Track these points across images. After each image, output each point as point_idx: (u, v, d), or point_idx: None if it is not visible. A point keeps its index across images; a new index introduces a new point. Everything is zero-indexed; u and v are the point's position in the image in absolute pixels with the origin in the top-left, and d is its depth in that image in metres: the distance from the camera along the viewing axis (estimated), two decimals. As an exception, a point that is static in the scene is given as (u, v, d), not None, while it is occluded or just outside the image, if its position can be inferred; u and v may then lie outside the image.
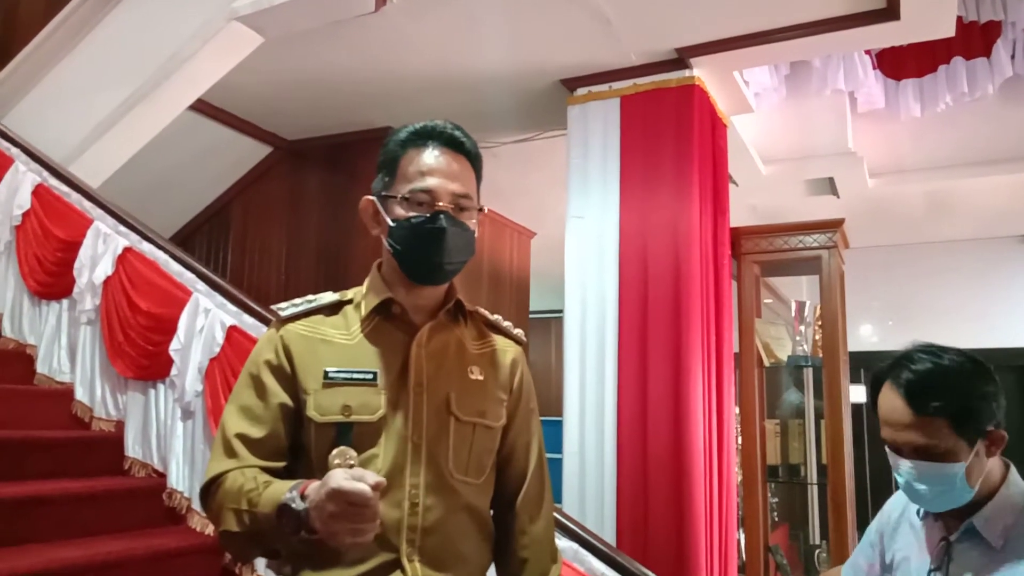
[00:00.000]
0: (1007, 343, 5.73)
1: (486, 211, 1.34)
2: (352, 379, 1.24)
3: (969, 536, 1.40)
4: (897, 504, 1.59)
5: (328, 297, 1.34)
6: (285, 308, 1.31)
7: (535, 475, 1.40)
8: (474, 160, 1.32)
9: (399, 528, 1.20)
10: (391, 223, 1.27)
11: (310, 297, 1.34)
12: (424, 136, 1.29)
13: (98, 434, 2.94)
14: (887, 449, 1.42)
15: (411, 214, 1.25)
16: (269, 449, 1.23)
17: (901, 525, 1.56)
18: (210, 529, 2.57)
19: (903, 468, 1.39)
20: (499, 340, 1.42)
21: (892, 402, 1.39)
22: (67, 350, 3.14)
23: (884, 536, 1.60)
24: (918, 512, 1.51)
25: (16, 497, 2.32)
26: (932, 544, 1.45)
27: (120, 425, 2.94)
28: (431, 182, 1.25)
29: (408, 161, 1.27)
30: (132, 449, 2.85)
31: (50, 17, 3.73)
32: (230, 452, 1.22)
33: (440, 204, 1.25)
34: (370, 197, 1.33)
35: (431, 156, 1.27)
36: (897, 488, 1.50)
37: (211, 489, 1.22)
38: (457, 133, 1.30)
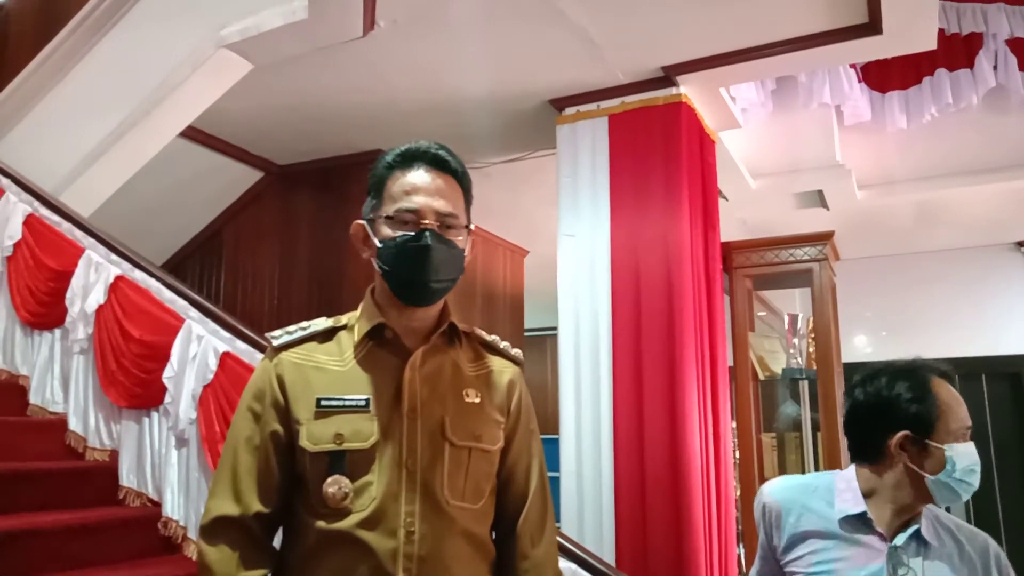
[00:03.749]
0: (1000, 351, 5.75)
1: (474, 228, 1.35)
2: (344, 406, 1.24)
3: (911, 539, 1.45)
4: (790, 514, 1.55)
5: (321, 323, 1.34)
6: (278, 336, 1.31)
7: (536, 498, 1.38)
8: (461, 179, 1.33)
9: (395, 557, 1.19)
10: (379, 244, 1.27)
11: (303, 324, 1.34)
12: (410, 157, 1.30)
13: (92, 464, 2.92)
14: (955, 445, 1.43)
15: (397, 233, 1.25)
16: (268, 485, 1.25)
17: (804, 536, 1.52)
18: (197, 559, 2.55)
19: (974, 451, 1.44)
20: (496, 361, 1.41)
21: (953, 391, 1.47)
22: (60, 380, 3.12)
23: (776, 538, 1.56)
24: (844, 520, 1.49)
25: (9, 530, 2.29)
26: (870, 553, 1.45)
27: (114, 454, 2.92)
28: (416, 200, 1.26)
29: (394, 182, 1.28)
30: (127, 478, 2.83)
31: (39, 47, 3.75)
32: (233, 491, 1.24)
33: (425, 222, 1.25)
34: (361, 221, 1.33)
35: (416, 176, 1.28)
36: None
37: (213, 530, 1.23)
38: (442, 152, 1.31)
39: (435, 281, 1.26)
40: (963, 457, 1.42)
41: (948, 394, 1.46)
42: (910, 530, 1.45)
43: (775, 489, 1.61)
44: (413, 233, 1.24)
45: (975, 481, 1.43)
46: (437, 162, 1.30)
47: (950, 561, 1.44)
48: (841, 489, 1.53)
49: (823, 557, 1.48)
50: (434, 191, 1.27)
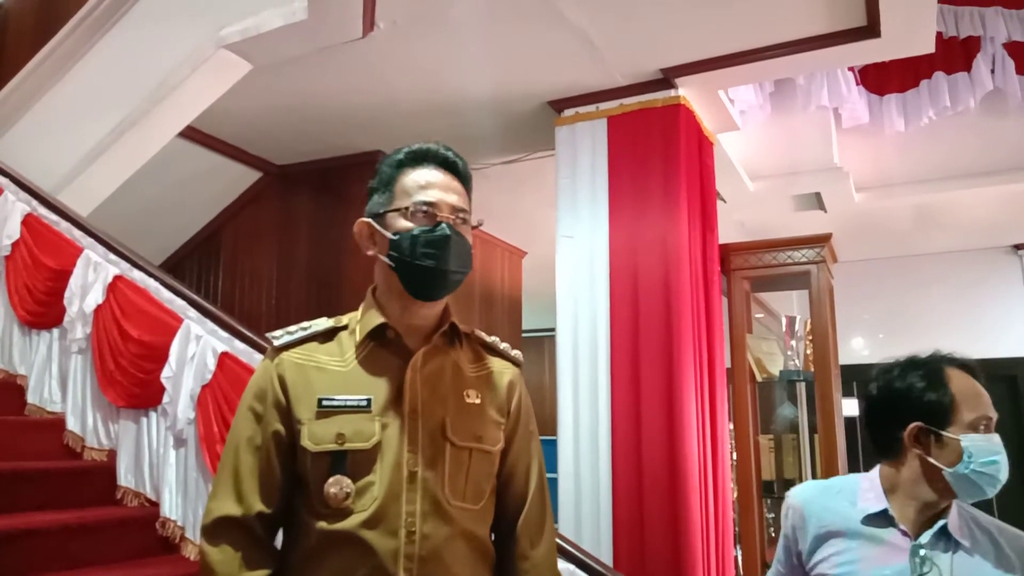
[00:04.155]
0: (997, 353, 5.76)
1: (481, 225, 1.38)
2: (346, 406, 1.24)
3: (938, 537, 1.42)
4: (813, 515, 1.54)
5: (322, 324, 1.35)
6: (279, 336, 1.32)
7: (535, 499, 1.39)
8: (466, 181, 1.36)
9: (396, 557, 1.19)
10: (392, 237, 1.28)
11: (304, 324, 1.34)
12: (419, 157, 1.33)
13: (90, 464, 2.92)
14: (971, 436, 1.39)
15: (413, 225, 1.27)
16: (269, 485, 1.25)
17: (827, 536, 1.50)
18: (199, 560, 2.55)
19: (997, 442, 1.40)
20: (496, 362, 1.42)
21: (972, 382, 1.44)
22: (58, 380, 3.12)
23: (801, 542, 1.55)
24: (867, 519, 1.48)
25: (7, 529, 2.29)
26: (894, 551, 1.43)
27: (112, 454, 2.92)
28: (433, 195, 1.29)
29: (406, 178, 1.31)
30: (124, 478, 2.83)
31: (39, 46, 3.75)
32: (235, 492, 1.24)
33: (441, 215, 1.28)
34: (365, 219, 1.34)
35: (428, 173, 1.31)
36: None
37: (215, 531, 1.23)
38: (450, 154, 1.34)
39: (453, 271, 1.28)
40: (981, 448, 1.38)
41: (964, 383, 1.42)
42: (935, 527, 1.42)
43: (799, 492, 1.61)
44: (432, 225, 1.27)
45: (998, 473, 1.38)
46: (446, 163, 1.33)
47: (983, 560, 1.40)
48: (864, 488, 1.51)
49: (847, 557, 1.46)
50: (448, 188, 1.31)
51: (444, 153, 1.34)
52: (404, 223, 1.28)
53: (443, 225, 1.27)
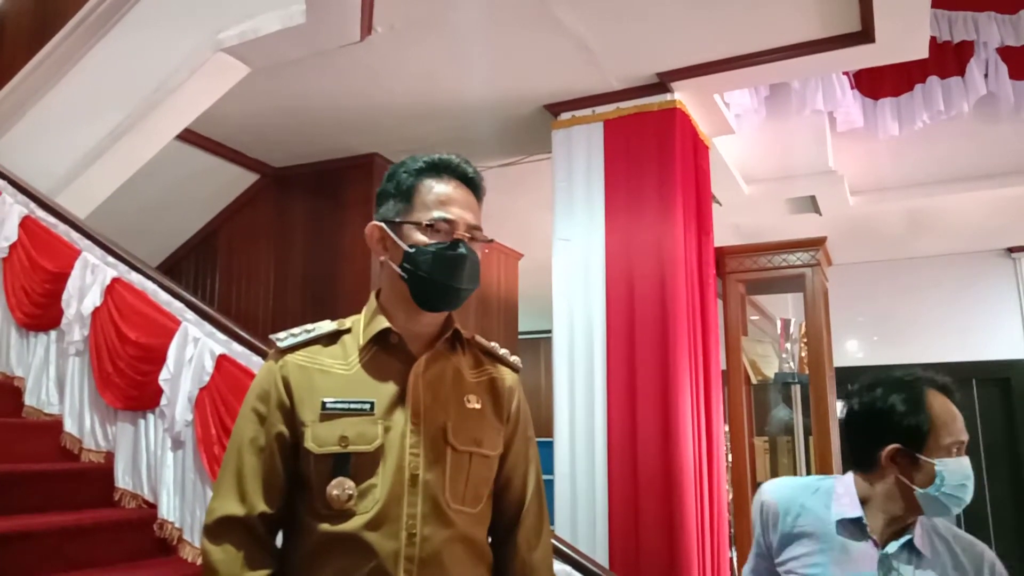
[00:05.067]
0: (990, 356, 5.79)
1: (494, 242, 1.40)
2: (349, 409, 1.26)
3: (904, 548, 1.47)
4: (788, 513, 1.57)
5: (326, 327, 1.36)
6: (283, 339, 1.33)
7: (533, 503, 1.41)
8: (480, 196, 1.38)
9: (397, 559, 1.21)
10: (408, 248, 1.29)
11: (308, 327, 1.35)
12: (442, 168, 1.33)
13: (87, 466, 2.92)
14: (945, 460, 1.44)
15: (431, 240, 1.28)
16: (272, 485, 1.26)
17: (800, 536, 1.54)
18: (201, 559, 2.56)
19: (967, 466, 1.46)
20: (495, 368, 1.43)
21: (949, 406, 1.48)
22: (55, 382, 3.12)
23: (772, 537, 1.58)
24: (840, 527, 1.51)
25: (5, 532, 2.29)
26: (863, 558, 1.48)
27: (110, 456, 2.92)
28: (453, 211, 1.30)
29: (426, 190, 1.31)
30: (122, 480, 2.83)
31: (36, 49, 3.75)
32: (238, 492, 1.25)
33: (459, 233, 1.29)
34: (377, 223, 1.34)
35: (449, 187, 1.32)
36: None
37: (217, 530, 1.24)
38: (469, 169, 1.36)
39: (464, 288, 1.30)
40: (953, 472, 1.43)
41: (942, 408, 1.47)
42: (903, 539, 1.47)
43: (774, 488, 1.63)
44: (448, 242, 1.28)
45: (965, 496, 1.44)
46: (465, 177, 1.35)
47: (943, 571, 1.46)
48: (840, 493, 1.55)
49: (818, 559, 1.50)
50: (466, 204, 1.33)
51: (464, 168, 1.35)
52: (420, 236, 1.29)
53: (460, 244, 1.29)
